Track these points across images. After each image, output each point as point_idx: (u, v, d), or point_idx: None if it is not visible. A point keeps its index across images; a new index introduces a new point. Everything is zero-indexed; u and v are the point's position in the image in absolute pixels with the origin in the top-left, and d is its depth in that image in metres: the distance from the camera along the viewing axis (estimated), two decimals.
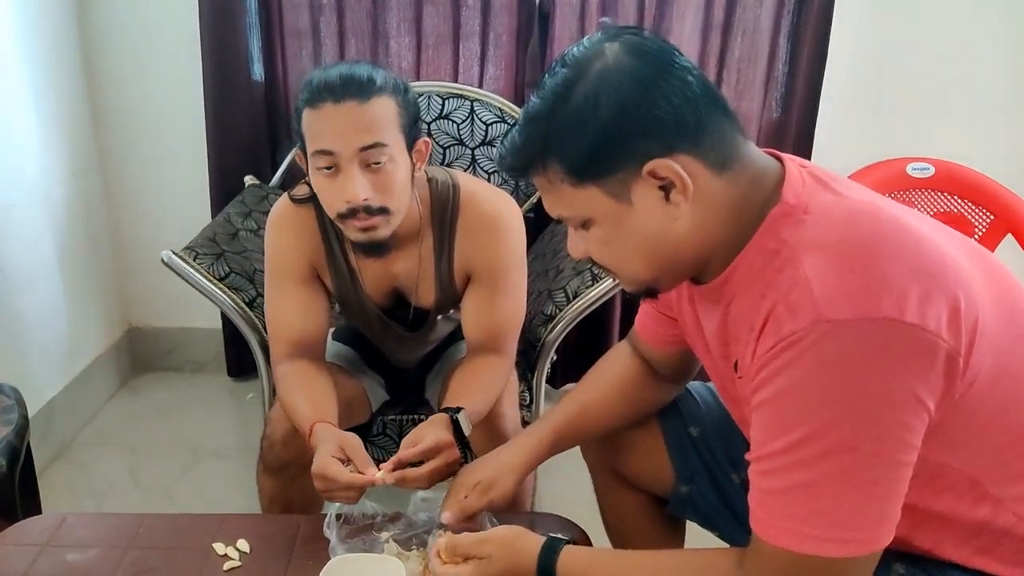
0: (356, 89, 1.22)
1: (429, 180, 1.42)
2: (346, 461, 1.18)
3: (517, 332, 1.46)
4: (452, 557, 1.03)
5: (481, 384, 1.38)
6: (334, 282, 1.45)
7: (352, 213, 1.26)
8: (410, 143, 1.30)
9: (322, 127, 1.23)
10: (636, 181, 0.86)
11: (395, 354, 1.62)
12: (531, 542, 1.00)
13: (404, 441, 1.22)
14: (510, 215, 1.42)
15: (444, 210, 1.41)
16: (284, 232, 1.42)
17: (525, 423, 1.58)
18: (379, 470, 1.17)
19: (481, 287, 1.42)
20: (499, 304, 1.42)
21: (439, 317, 1.53)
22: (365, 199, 1.24)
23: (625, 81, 0.84)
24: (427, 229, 1.41)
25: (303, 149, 1.30)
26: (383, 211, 1.27)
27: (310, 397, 1.33)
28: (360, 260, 1.43)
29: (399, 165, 1.27)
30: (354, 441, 1.22)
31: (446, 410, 1.28)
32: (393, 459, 1.19)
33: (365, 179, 1.24)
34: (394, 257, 1.41)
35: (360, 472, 1.17)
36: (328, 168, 1.25)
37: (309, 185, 1.35)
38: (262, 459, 1.44)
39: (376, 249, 1.33)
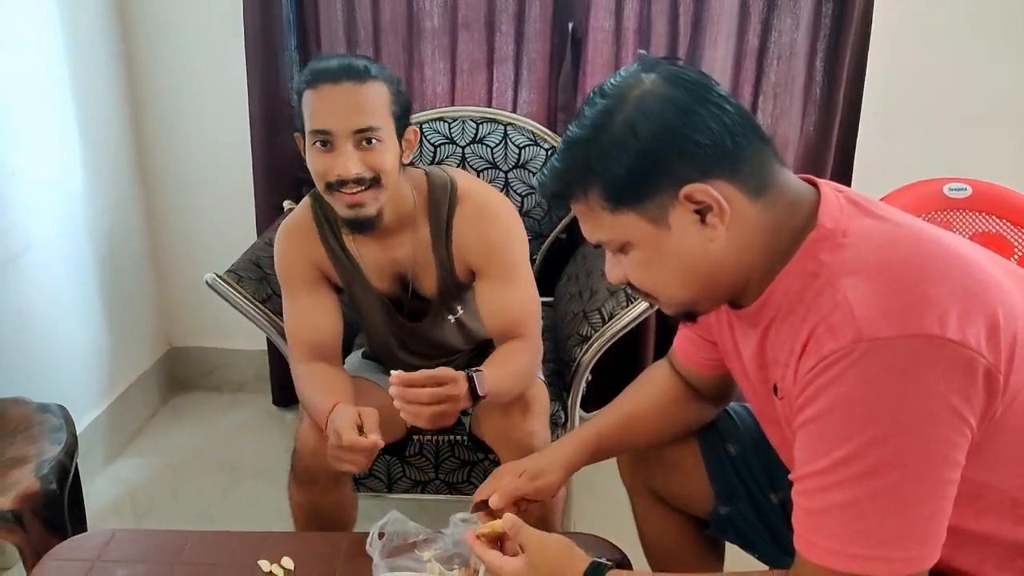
0: (354, 73, 1.33)
1: (427, 174, 1.51)
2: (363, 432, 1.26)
3: (535, 316, 1.51)
4: (494, 535, 1.05)
5: (512, 364, 1.44)
6: (339, 274, 1.53)
7: (341, 184, 1.35)
8: (400, 130, 1.40)
9: (319, 107, 1.34)
10: (673, 205, 0.87)
11: (407, 350, 1.64)
12: (575, 564, 0.99)
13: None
14: (504, 205, 1.52)
15: (440, 202, 1.48)
16: (286, 240, 1.53)
17: None
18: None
19: (487, 279, 1.49)
20: (509, 291, 1.48)
21: (450, 318, 1.58)
22: (356, 173, 1.34)
23: (663, 107, 0.86)
24: (423, 218, 1.49)
25: (301, 129, 1.39)
26: (374, 182, 1.36)
27: (326, 389, 1.40)
28: (359, 248, 1.51)
29: (388, 147, 1.37)
30: (370, 411, 1.29)
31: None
32: (400, 373, 1.24)
33: (357, 156, 1.34)
34: (392, 244, 1.49)
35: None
36: (324, 144, 1.35)
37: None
38: (292, 472, 1.49)
39: (363, 226, 1.40)
